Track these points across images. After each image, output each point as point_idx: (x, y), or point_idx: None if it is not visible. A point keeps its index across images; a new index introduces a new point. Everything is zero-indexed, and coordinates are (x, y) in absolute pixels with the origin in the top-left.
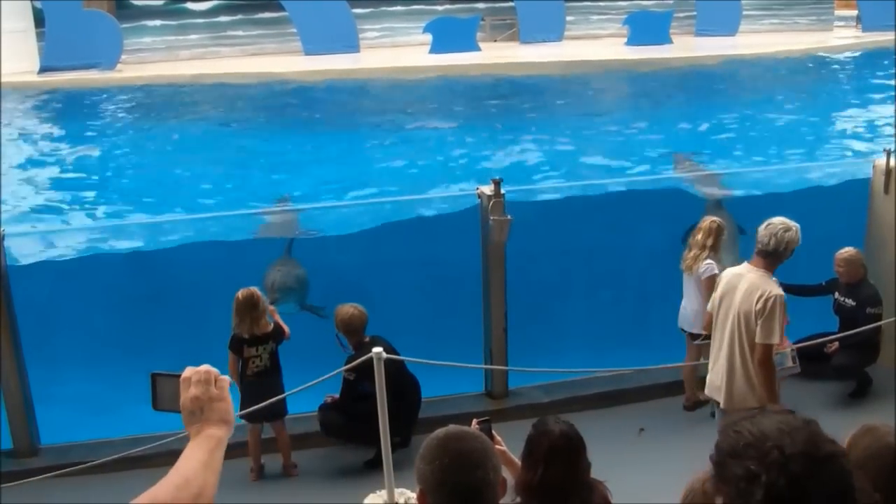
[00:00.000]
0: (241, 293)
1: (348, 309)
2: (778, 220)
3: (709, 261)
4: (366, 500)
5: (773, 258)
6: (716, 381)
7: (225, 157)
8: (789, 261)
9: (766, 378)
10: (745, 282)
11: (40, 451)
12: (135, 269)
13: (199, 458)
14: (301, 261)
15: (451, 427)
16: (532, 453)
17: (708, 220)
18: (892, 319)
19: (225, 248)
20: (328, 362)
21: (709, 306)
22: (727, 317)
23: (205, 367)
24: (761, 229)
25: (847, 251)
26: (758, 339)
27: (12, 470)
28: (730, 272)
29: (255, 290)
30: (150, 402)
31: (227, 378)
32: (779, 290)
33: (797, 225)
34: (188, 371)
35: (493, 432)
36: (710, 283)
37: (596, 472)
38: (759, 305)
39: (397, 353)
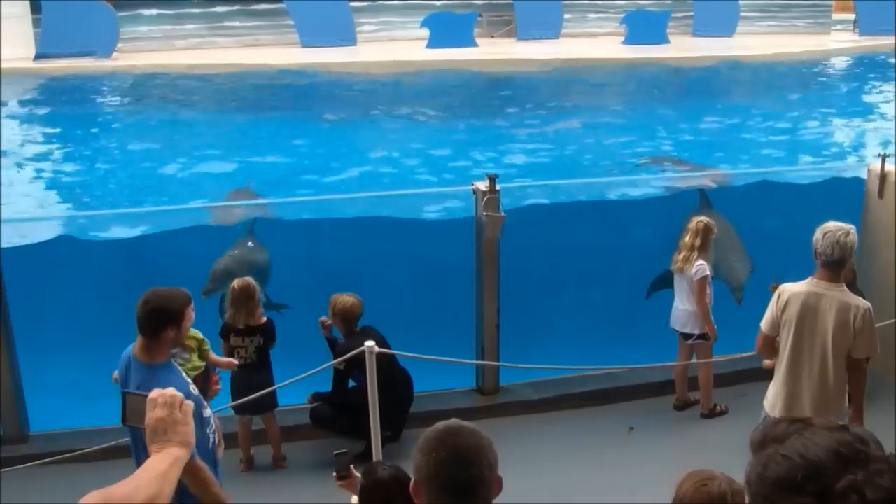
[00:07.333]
0: (237, 283)
1: (347, 298)
2: (834, 227)
3: (700, 262)
4: (354, 496)
5: (839, 267)
6: (795, 397)
7: (218, 146)
8: (779, 264)
9: (862, 390)
10: (829, 301)
11: (29, 439)
12: (125, 256)
13: (158, 468)
14: (271, 248)
15: (451, 421)
16: (370, 502)
17: (695, 221)
18: (889, 322)
19: (216, 233)
20: (317, 355)
21: (765, 326)
22: (814, 336)
23: (170, 390)
24: (819, 239)
25: None
26: (859, 354)
27: (1, 457)
28: (797, 291)
29: (250, 280)
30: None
31: (190, 403)
32: (868, 303)
33: (852, 226)
34: (155, 392)
35: (352, 468)
36: (702, 284)
37: (584, 470)
38: (859, 323)
39: (388, 345)
